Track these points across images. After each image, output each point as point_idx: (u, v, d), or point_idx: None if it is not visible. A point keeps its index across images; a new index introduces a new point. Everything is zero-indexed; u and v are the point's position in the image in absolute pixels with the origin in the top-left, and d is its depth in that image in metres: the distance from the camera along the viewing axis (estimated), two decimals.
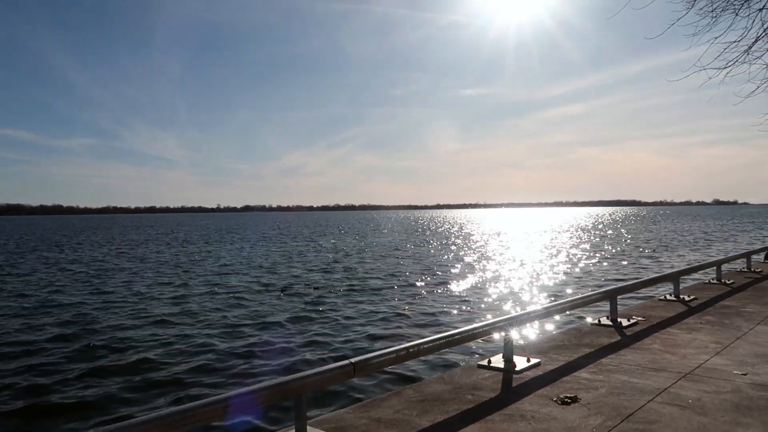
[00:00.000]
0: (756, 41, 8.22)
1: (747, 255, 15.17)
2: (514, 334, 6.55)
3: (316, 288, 20.33)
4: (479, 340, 10.81)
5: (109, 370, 10.29)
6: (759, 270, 14.62)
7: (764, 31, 8.17)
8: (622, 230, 64.97)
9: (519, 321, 6.80)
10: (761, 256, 17.34)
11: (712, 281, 12.88)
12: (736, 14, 8.17)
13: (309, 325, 13.98)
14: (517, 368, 6.12)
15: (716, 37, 8.23)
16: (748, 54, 8.29)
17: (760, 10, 8.13)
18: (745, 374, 5.86)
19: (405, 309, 15.92)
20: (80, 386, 9.38)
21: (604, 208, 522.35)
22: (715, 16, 8.23)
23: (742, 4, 8.20)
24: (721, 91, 9.02)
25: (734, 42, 8.25)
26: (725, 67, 8.39)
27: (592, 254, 33.74)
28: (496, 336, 7.18)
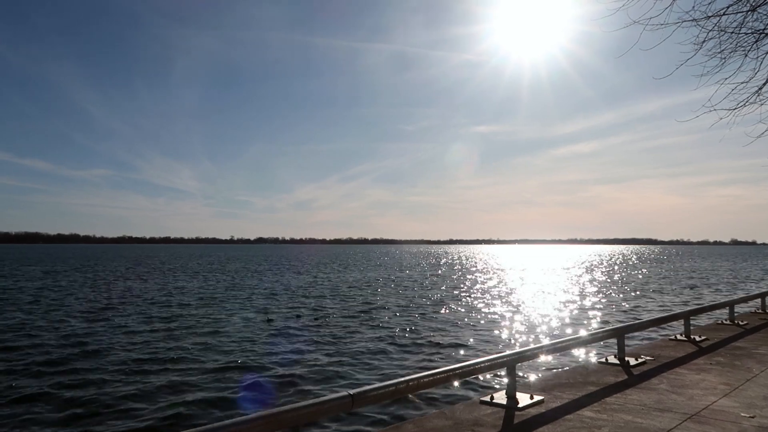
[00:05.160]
0: (766, 82, 8.27)
1: (762, 296, 14.91)
2: (519, 371, 6.49)
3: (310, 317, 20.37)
4: (484, 375, 10.72)
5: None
6: None
7: None
8: (634, 269, 64.17)
9: (524, 357, 6.73)
10: None
11: (724, 322, 12.68)
12: (746, 56, 8.23)
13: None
14: (520, 405, 6.06)
15: (726, 78, 8.25)
16: (758, 95, 8.33)
17: None
18: (753, 417, 5.74)
19: (410, 337, 15.82)
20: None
21: (619, 246, 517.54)
22: (724, 58, 8.28)
23: (752, 45, 8.28)
24: (733, 131, 9.02)
25: (744, 83, 8.28)
26: (735, 108, 8.41)
27: (603, 291, 33.32)
28: (499, 371, 7.10)
